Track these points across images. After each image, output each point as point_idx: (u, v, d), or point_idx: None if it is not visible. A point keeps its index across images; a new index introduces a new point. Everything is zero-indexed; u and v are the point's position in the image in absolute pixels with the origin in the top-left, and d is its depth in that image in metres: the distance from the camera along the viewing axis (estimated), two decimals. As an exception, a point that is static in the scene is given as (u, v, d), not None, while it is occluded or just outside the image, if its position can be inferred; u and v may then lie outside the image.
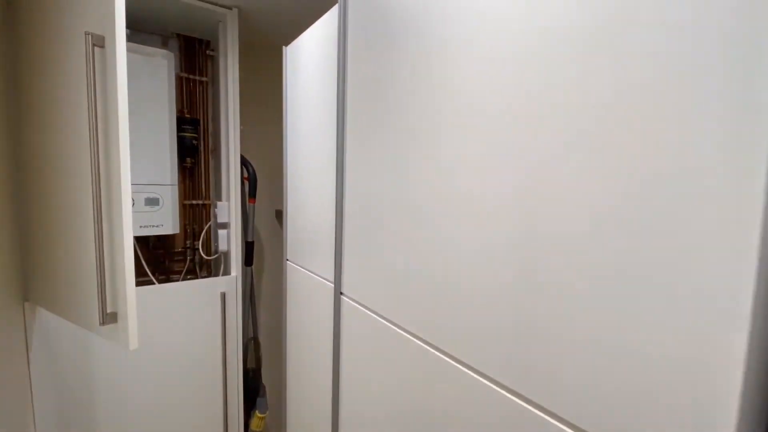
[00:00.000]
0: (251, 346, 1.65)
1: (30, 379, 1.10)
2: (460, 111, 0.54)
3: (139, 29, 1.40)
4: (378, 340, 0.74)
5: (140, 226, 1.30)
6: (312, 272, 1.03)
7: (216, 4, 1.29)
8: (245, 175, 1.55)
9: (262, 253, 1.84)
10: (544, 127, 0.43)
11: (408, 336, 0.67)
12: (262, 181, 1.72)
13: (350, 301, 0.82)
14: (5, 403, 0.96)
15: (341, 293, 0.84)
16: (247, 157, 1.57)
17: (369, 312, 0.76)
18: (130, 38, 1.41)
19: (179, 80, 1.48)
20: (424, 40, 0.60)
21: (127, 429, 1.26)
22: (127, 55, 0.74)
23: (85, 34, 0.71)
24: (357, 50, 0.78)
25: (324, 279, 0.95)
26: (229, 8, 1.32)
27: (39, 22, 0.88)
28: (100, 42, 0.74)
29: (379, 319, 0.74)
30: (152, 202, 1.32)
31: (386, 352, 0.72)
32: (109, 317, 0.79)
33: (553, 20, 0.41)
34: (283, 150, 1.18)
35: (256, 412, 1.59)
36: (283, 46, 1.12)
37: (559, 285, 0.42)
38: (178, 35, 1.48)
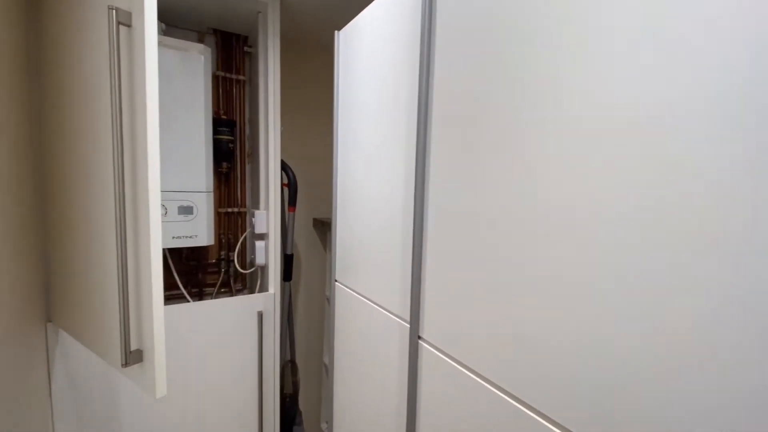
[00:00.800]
0: (288, 369, 1.50)
1: (51, 405, 0.98)
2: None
3: (173, 24, 1.30)
4: (477, 406, 0.55)
5: (172, 237, 1.18)
6: (371, 300, 0.85)
7: (256, -8, 1.16)
8: (284, 181, 1.40)
9: (299, 267, 1.70)
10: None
11: (525, 410, 0.48)
12: (300, 187, 1.58)
13: (434, 350, 0.63)
14: (27, 426, 0.84)
15: (419, 337, 0.66)
16: (285, 160, 1.43)
17: (465, 371, 0.57)
18: (163, 33, 1.31)
19: (215, 79, 1.36)
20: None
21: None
22: (159, 49, 0.60)
23: (109, 8, 0.58)
24: (449, 24, 0.61)
25: (389, 313, 0.77)
26: (270, -4, 1.19)
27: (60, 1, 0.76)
28: (126, 19, 0.60)
29: (485, 383, 0.55)
30: (186, 210, 1.19)
31: (490, 425, 0.53)
32: (133, 356, 0.64)
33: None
34: (333, 150, 1.01)
35: (293, 443, 1.44)
36: (336, 31, 0.96)
37: None
38: (215, 31, 1.37)
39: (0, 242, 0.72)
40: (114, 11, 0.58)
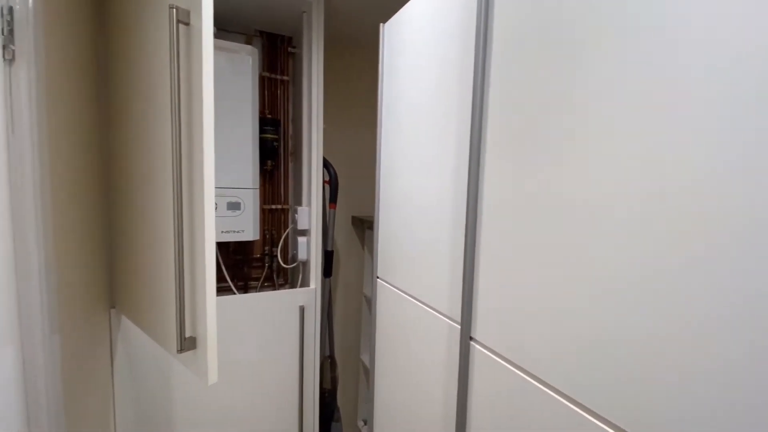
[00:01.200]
0: (327, 365, 1.51)
1: (113, 383, 1.06)
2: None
3: (222, 28, 1.35)
4: (534, 411, 0.51)
5: (222, 231, 1.23)
6: (415, 298, 0.83)
7: (301, -9, 1.18)
8: (326, 178, 1.42)
9: (338, 264, 1.71)
10: None
11: (590, 417, 0.43)
12: (340, 185, 1.59)
13: (487, 352, 0.59)
14: (91, 407, 0.91)
15: (471, 338, 0.63)
16: (326, 158, 1.45)
17: (522, 374, 0.54)
18: (214, 37, 1.37)
19: (261, 80, 1.40)
20: None
21: (203, 448, 1.18)
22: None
23: (170, 7, 0.60)
24: (507, 11, 0.57)
25: (437, 312, 0.74)
26: (315, -5, 1.21)
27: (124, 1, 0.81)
28: (185, 18, 0.62)
29: (544, 388, 0.51)
30: (234, 206, 1.24)
31: None
32: (187, 343, 0.67)
33: None
34: (377, 144, 1.00)
35: (332, 439, 1.44)
36: (381, 24, 0.95)
37: None
38: (261, 33, 1.42)
39: (71, 234, 0.78)
40: (174, 10, 0.61)
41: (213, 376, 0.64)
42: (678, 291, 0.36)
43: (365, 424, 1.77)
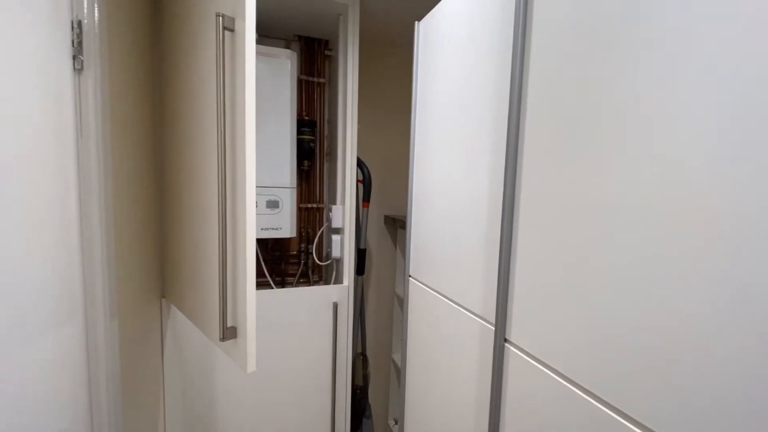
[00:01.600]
0: (359, 362, 1.53)
1: (163, 366, 1.14)
2: None
3: (263, 34, 1.41)
4: (570, 416, 0.49)
5: (261, 229, 1.29)
6: (448, 298, 0.82)
7: (337, -5, 1.20)
8: (359, 177, 1.44)
9: (370, 263, 1.73)
10: None
11: (628, 424, 0.41)
12: (373, 185, 1.61)
13: (522, 355, 0.58)
14: (144, 389, 0.98)
15: (506, 340, 0.61)
16: (360, 158, 1.47)
17: (558, 378, 0.51)
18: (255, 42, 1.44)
19: (299, 83, 1.45)
20: None
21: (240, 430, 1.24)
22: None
23: (216, 15, 0.64)
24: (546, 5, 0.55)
25: (470, 313, 0.73)
26: (351, -3, 1.23)
27: (175, 6, 0.87)
28: (230, 25, 0.66)
29: (580, 392, 0.49)
30: (273, 204, 1.29)
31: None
32: (229, 332, 0.70)
33: None
34: (410, 144, 1.00)
35: (363, 436, 1.46)
36: (416, 22, 0.95)
37: None
38: (300, 37, 1.46)
39: (128, 227, 0.85)
40: (221, 17, 0.64)
41: (252, 365, 0.67)
42: (724, 296, 0.33)
43: (396, 423, 1.77)
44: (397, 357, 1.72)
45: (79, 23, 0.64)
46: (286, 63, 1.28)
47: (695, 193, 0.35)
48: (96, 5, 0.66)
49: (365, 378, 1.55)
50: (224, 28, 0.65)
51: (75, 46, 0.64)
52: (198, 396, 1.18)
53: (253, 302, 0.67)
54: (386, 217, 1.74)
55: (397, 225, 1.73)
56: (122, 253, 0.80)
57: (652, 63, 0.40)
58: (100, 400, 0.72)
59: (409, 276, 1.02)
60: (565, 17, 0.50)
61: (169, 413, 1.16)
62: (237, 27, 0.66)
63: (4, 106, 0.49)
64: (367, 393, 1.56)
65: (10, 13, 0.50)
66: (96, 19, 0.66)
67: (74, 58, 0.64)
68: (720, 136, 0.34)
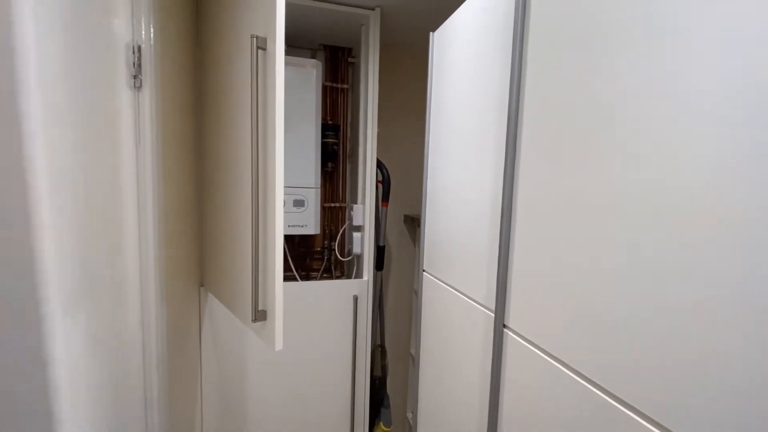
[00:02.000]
0: (378, 353, 1.61)
1: (200, 348, 1.26)
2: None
3: (291, 45, 1.52)
4: (564, 399, 0.54)
5: (288, 226, 1.39)
6: (455, 289, 0.88)
7: (360, 6, 1.28)
8: (379, 178, 1.52)
9: (389, 259, 1.80)
10: None
11: (618, 406, 0.46)
12: (392, 185, 1.68)
13: (519, 340, 0.63)
14: (186, 372, 1.11)
15: (504, 326, 0.67)
16: (380, 159, 1.55)
17: (553, 361, 0.57)
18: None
19: (324, 89, 1.54)
20: None
21: (266, 416, 1.35)
22: (283, 66, 0.74)
23: (251, 36, 0.74)
24: (542, 11, 0.61)
25: (473, 302, 0.79)
26: (372, 9, 1.31)
27: (214, 29, 0.98)
28: (263, 44, 0.75)
29: (574, 375, 0.54)
30: (299, 203, 1.39)
31: (578, 419, 0.52)
32: (259, 314, 0.80)
33: None
34: (425, 146, 1.07)
35: (381, 424, 1.54)
36: (431, 32, 1.01)
37: None
38: (325, 47, 1.56)
39: (174, 222, 0.97)
40: (255, 38, 0.74)
41: (279, 343, 0.76)
42: (723, 284, 0.37)
43: (413, 415, 1.83)
44: (414, 350, 1.79)
45: (139, 48, 0.76)
46: (311, 72, 1.38)
47: (690, 188, 0.39)
48: (152, 32, 0.77)
49: (384, 369, 1.63)
50: (258, 47, 0.75)
51: (135, 67, 0.76)
52: (230, 378, 1.30)
53: (281, 289, 0.76)
54: (406, 216, 1.81)
55: (415, 224, 1.79)
56: (170, 243, 0.92)
57: (651, 64, 0.45)
58: (152, 379, 0.84)
59: (423, 270, 1.09)
60: (558, 26, 0.55)
61: (206, 392, 1.28)
62: (269, 46, 0.75)
63: (87, 119, 0.60)
64: (385, 383, 1.63)
65: (88, 45, 0.61)
66: (152, 43, 0.77)
67: (134, 77, 0.76)
68: (720, 135, 0.37)
